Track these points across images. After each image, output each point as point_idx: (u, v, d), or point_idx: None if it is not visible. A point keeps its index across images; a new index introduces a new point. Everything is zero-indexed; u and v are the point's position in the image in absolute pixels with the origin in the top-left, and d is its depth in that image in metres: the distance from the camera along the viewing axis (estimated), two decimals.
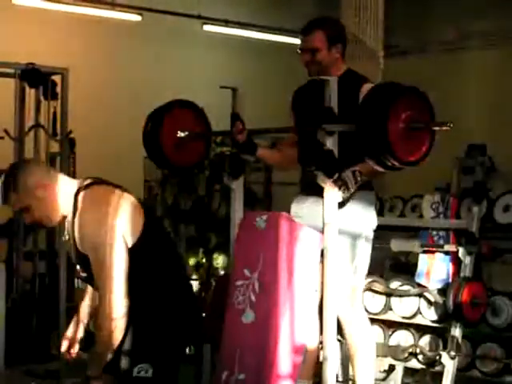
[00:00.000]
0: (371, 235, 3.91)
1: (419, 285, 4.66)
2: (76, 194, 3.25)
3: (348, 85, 3.72)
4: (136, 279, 3.18)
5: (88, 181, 3.32)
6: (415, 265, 4.76)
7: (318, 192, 3.44)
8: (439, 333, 4.62)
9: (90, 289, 3.51)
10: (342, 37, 4.01)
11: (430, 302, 4.59)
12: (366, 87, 3.67)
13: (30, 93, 5.68)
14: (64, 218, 3.30)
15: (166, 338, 3.23)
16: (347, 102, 3.40)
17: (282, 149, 4.07)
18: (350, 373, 4.46)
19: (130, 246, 3.18)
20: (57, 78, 5.71)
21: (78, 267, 3.36)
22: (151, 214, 3.52)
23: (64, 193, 3.26)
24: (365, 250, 3.87)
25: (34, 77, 5.55)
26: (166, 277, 3.29)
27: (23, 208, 3.26)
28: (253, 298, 3.51)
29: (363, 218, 3.84)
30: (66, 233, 3.33)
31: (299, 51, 3.95)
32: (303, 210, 3.84)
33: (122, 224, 3.20)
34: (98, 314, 3.18)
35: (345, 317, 3.73)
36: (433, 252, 4.67)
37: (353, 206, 3.78)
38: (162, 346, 3.22)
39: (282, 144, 4.10)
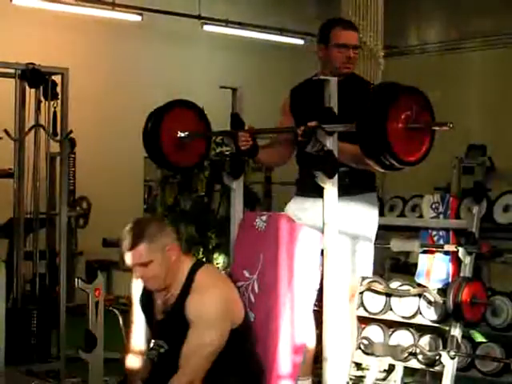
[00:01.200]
0: (373, 236, 3.92)
1: (419, 285, 4.66)
2: (193, 269, 3.29)
3: (355, 86, 3.75)
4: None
5: (194, 260, 3.40)
6: (415, 265, 4.76)
7: (320, 193, 3.42)
8: (439, 333, 4.62)
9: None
10: None
11: (430, 302, 4.59)
12: None
13: (30, 93, 5.67)
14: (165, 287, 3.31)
15: None
16: (355, 103, 3.38)
17: (274, 146, 4.06)
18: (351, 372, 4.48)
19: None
20: (57, 78, 5.70)
21: (153, 342, 3.35)
22: None
23: (181, 264, 3.31)
24: (366, 251, 3.88)
25: (34, 77, 5.54)
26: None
27: (145, 262, 3.23)
28: (252, 299, 3.51)
29: (364, 219, 3.86)
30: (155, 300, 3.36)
31: (337, 46, 3.86)
32: (306, 212, 3.83)
33: (233, 311, 3.28)
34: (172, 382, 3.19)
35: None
36: (433, 252, 4.67)
37: (354, 207, 3.79)
38: None
39: (274, 141, 4.09)
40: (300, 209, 3.89)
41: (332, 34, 3.90)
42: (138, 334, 3.49)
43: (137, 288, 3.48)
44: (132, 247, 3.22)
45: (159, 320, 3.35)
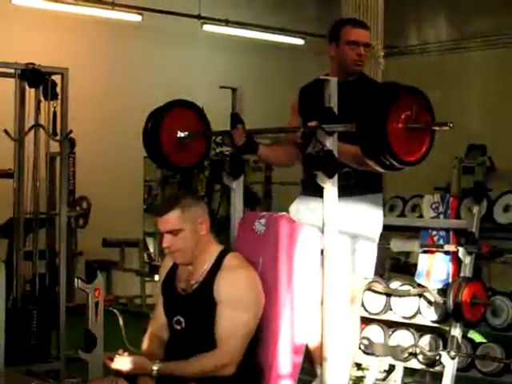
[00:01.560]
0: (376, 237, 3.92)
1: (419, 285, 4.67)
2: (223, 252, 3.33)
3: (365, 86, 3.75)
4: None
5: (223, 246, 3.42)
6: (415, 265, 4.76)
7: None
8: (439, 333, 4.63)
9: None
10: None
11: (430, 302, 4.60)
12: None
13: (30, 93, 5.67)
14: (189, 263, 3.34)
15: None
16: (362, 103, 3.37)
17: (283, 145, 4.06)
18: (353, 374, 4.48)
19: None
20: (57, 78, 5.70)
21: (175, 319, 3.35)
22: None
23: (210, 242, 3.34)
24: (368, 252, 3.88)
25: (34, 77, 5.54)
26: None
27: (175, 230, 3.27)
28: None
29: (367, 219, 3.85)
30: (179, 279, 3.38)
31: (347, 44, 3.88)
32: (311, 212, 3.84)
33: (262, 297, 3.30)
34: (206, 357, 3.19)
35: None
36: (433, 252, 4.67)
37: (357, 207, 3.79)
38: None
39: (283, 140, 4.09)
40: (305, 209, 3.89)
41: (343, 32, 3.91)
42: (158, 319, 3.49)
43: (162, 271, 3.51)
44: (164, 213, 3.28)
45: (181, 296, 3.36)
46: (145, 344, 3.46)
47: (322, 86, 3.51)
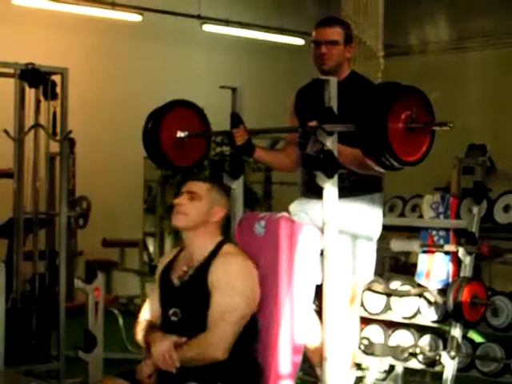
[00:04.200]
0: (375, 237, 3.92)
1: (419, 285, 4.66)
2: (221, 242, 3.39)
3: (355, 87, 3.73)
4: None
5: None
6: (415, 265, 4.76)
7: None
8: (439, 333, 4.63)
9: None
10: (352, 39, 3.98)
11: (430, 302, 4.59)
12: None
13: (30, 93, 5.67)
14: (183, 248, 3.43)
15: None
16: (354, 104, 3.35)
17: (285, 149, 4.05)
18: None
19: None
20: (57, 78, 5.70)
21: (171, 311, 3.35)
22: None
23: (214, 232, 3.42)
24: (367, 252, 3.88)
25: (34, 77, 5.54)
26: None
27: (196, 194, 3.38)
28: None
29: (366, 219, 3.85)
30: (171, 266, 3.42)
31: (313, 44, 3.86)
32: (302, 214, 3.84)
33: (257, 288, 3.34)
34: (197, 338, 3.20)
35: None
36: (433, 252, 4.67)
37: (356, 208, 3.79)
38: None
39: (286, 144, 4.08)
40: (300, 211, 3.90)
41: (312, 34, 3.91)
42: (153, 309, 3.48)
43: (163, 261, 3.54)
44: (196, 180, 3.46)
45: (176, 287, 3.36)
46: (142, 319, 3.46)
47: (318, 85, 3.50)
